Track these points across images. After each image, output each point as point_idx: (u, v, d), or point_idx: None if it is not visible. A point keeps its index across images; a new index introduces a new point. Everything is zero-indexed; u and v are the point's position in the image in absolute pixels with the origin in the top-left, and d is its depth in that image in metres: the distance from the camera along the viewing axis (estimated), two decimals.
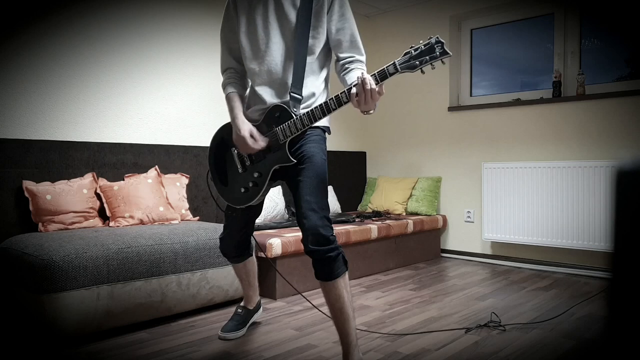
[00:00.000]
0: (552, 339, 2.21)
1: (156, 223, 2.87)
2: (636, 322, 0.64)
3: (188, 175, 3.30)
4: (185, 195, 3.20)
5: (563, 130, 3.67)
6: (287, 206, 3.80)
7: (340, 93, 1.68)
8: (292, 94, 1.80)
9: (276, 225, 3.38)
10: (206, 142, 3.55)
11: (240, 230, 2.08)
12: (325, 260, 1.72)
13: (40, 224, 2.59)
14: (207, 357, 2.02)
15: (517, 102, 3.89)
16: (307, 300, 2.53)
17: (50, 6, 2.83)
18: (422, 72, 1.64)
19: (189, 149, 3.43)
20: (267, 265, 2.89)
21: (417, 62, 1.61)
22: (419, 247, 4.06)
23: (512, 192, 3.80)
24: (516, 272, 3.67)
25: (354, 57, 1.85)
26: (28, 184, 2.62)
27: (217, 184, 2.02)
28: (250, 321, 2.35)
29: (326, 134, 1.94)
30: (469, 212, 4.18)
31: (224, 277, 2.64)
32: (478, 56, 4.28)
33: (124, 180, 2.97)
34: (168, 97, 3.37)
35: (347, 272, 1.78)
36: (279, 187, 3.78)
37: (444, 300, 2.88)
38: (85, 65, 2.98)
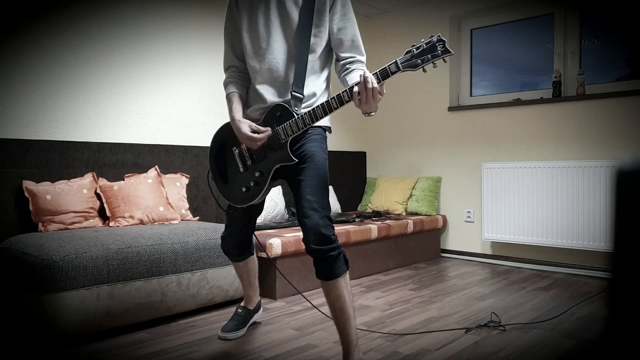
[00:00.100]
0: (552, 339, 2.21)
1: (156, 223, 2.87)
2: (636, 322, 0.64)
3: (188, 175, 3.31)
4: (185, 195, 3.20)
5: (563, 130, 3.67)
6: (287, 206, 3.80)
7: (342, 92, 1.67)
8: (293, 92, 1.79)
9: (276, 225, 3.38)
10: (206, 142, 3.55)
11: (242, 230, 2.08)
12: (326, 259, 1.71)
13: (40, 224, 2.59)
14: (207, 357, 2.02)
15: (517, 102, 3.89)
16: (307, 300, 2.53)
17: (50, 6, 2.83)
18: (424, 70, 1.64)
19: (189, 149, 3.43)
20: (267, 265, 2.90)
21: (419, 61, 1.61)
22: (419, 247, 4.06)
23: (512, 192, 3.80)
24: (516, 272, 3.67)
25: (354, 57, 1.84)
26: (28, 184, 2.62)
27: (218, 183, 2.02)
28: (251, 321, 2.35)
29: (327, 133, 1.94)
30: (469, 212, 4.18)
31: (224, 277, 2.64)
32: (478, 56, 4.28)
33: (124, 180, 2.97)
34: (168, 97, 3.37)
35: (348, 272, 1.78)
36: (279, 187, 3.78)
37: (444, 300, 2.88)
38: (85, 65, 2.98)
